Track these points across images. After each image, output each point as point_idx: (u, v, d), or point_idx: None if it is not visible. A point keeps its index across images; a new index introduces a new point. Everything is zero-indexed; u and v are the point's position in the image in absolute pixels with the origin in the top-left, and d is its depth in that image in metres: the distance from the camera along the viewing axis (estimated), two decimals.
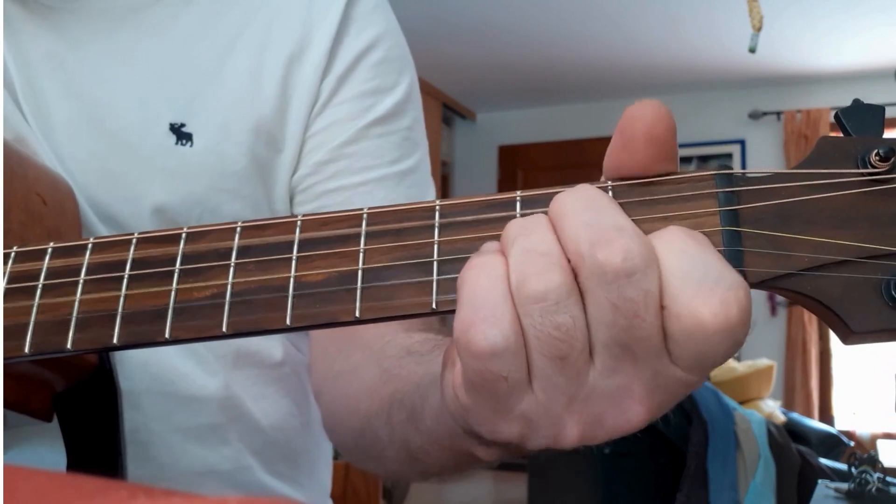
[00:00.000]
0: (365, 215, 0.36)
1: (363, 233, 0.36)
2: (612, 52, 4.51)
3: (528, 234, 0.32)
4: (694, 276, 0.30)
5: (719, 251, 0.32)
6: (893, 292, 0.30)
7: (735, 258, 0.32)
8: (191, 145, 0.61)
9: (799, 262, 0.31)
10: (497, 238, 0.34)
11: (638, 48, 4.43)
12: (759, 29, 1.57)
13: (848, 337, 0.32)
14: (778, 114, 5.00)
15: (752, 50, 1.58)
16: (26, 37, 0.63)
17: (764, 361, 3.30)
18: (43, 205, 0.54)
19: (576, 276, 0.30)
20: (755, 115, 5.03)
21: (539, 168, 5.52)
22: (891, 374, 4.13)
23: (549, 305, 0.30)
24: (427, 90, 4.78)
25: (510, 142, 5.65)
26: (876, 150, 0.31)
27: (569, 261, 0.31)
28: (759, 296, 4.75)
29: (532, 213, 0.34)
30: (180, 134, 0.61)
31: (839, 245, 0.31)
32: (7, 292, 0.40)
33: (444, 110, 5.34)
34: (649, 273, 0.30)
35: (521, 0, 3.82)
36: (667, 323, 0.30)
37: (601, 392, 0.31)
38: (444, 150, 5.51)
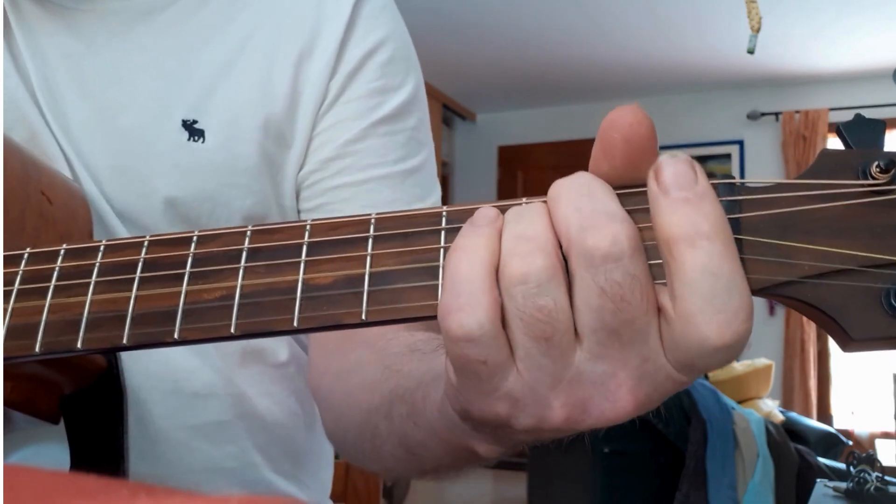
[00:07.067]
0: (373, 220, 0.37)
1: (371, 237, 0.36)
2: (612, 53, 4.51)
3: (519, 219, 0.32)
4: (718, 302, 0.30)
5: None
6: (893, 301, 0.31)
7: None
8: (202, 141, 0.62)
9: (799, 270, 0.32)
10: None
11: (638, 49, 4.43)
12: (758, 30, 1.57)
13: (847, 344, 0.32)
14: (776, 114, 5.00)
15: (751, 51, 1.58)
16: (44, 36, 0.64)
17: (762, 361, 3.30)
18: (55, 209, 0.55)
19: (567, 260, 0.31)
20: (754, 116, 5.04)
21: (539, 168, 5.52)
22: (889, 373, 4.13)
23: (531, 288, 0.31)
24: (427, 90, 4.76)
25: (510, 142, 5.66)
26: (876, 162, 0.32)
27: (561, 245, 0.31)
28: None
29: (533, 201, 0.34)
30: (192, 130, 0.62)
31: (840, 254, 0.31)
32: (20, 292, 0.41)
33: (444, 111, 5.34)
34: (636, 258, 0.30)
35: (522, 1, 3.82)
36: (668, 330, 0.31)
37: (588, 376, 0.32)
38: (444, 151, 5.51)
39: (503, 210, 0.35)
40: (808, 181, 0.33)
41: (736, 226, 0.33)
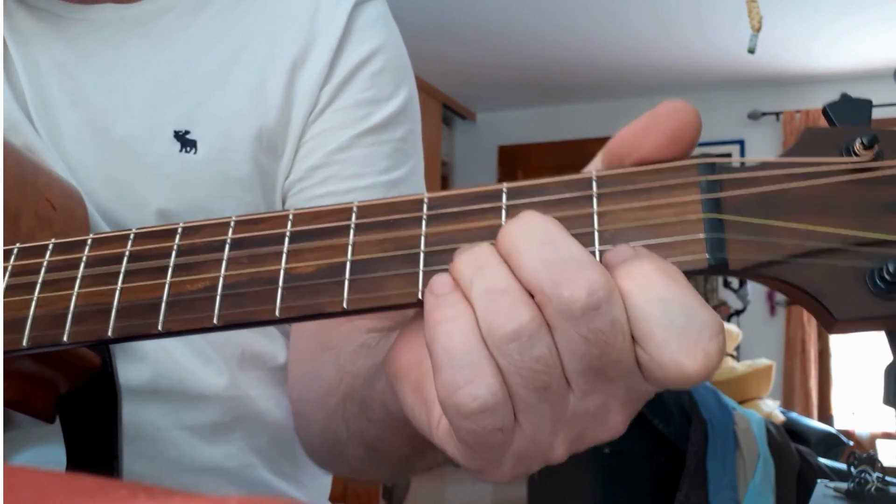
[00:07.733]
0: (355, 208, 0.37)
1: (352, 225, 0.36)
2: (612, 53, 4.51)
3: (482, 272, 0.31)
4: (677, 327, 0.30)
5: (701, 238, 0.32)
6: (878, 280, 0.30)
7: (717, 246, 0.32)
8: (195, 153, 0.62)
9: (782, 249, 0.31)
10: (485, 228, 0.34)
11: (638, 49, 4.43)
12: (759, 29, 1.58)
13: (832, 325, 0.31)
14: (777, 114, 5.00)
15: (752, 50, 1.58)
16: (36, 45, 0.64)
17: (763, 361, 3.30)
18: (52, 210, 0.55)
19: (542, 310, 0.30)
20: (754, 116, 5.03)
21: (539, 168, 5.52)
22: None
23: (524, 342, 0.30)
24: (427, 90, 4.78)
25: (510, 142, 5.65)
26: (859, 139, 0.31)
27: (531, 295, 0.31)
28: (759, 296, 4.75)
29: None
30: (185, 141, 0.62)
31: (823, 233, 0.31)
32: (8, 287, 0.41)
33: (444, 110, 5.34)
34: (613, 302, 0.30)
35: (522, 0, 3.83)
36: (646, 367, 0.31)
37: (582, 413, 0.32)
38: (444, 150, 5.51)
39: (484, 195, 0.34)
40: (791, 159, 0.32)
41: (717, 206, 0.32)
